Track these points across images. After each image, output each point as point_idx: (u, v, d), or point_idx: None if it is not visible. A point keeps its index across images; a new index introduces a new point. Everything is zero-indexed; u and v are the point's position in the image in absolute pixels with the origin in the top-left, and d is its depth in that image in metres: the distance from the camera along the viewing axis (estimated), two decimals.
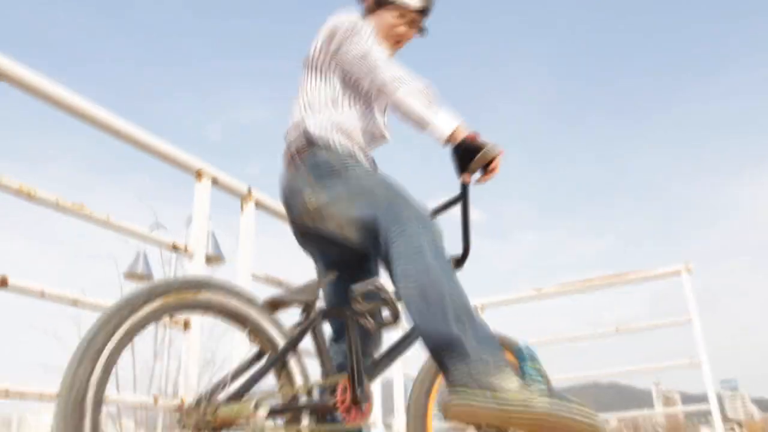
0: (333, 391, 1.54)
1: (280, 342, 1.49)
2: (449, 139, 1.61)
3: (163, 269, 4.68)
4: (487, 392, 1.29)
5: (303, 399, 1.51)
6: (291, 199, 1.73)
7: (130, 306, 1.22)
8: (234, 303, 1.43)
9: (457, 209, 1.86)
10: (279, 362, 1.49)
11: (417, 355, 1.82)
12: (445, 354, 1.36)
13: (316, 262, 1.86)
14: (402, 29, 1.91)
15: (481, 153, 1.61)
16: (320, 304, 1.64)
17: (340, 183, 1.63)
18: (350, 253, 1.73)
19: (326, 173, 1.65)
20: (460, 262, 1.80)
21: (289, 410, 1.48)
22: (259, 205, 2.73)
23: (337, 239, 1.65)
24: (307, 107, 1.76)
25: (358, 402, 1.55)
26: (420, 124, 1.62)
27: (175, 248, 2.34)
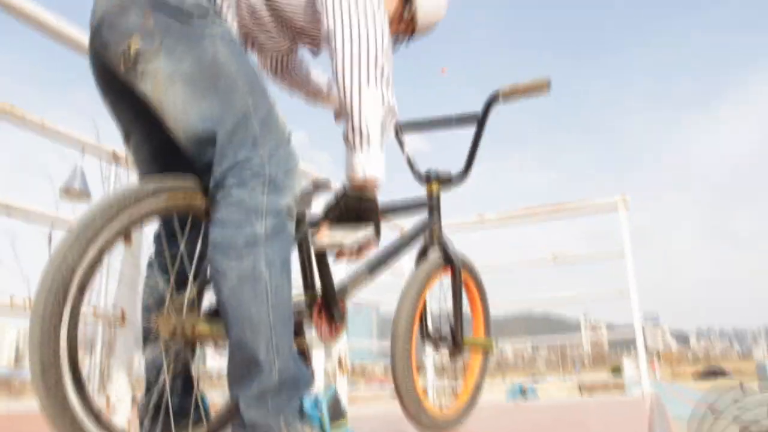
0: (309, 307, 1.53)
1: None
2: (363, 182, 1.26)
3: (103, 186, 4.42)
4: None
5: None
6: (108, 32, 1.19)
7: (131, 198, 1.08)
8: None
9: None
10: None
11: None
12: (243, 380, 1.08)
13: (129, 130, 1.32)
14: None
15: (373, 224, 1.32)
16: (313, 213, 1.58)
17: (188, 51, 1.15)
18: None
19: (174, 26, 1.16)
20: (457, 181, 1.87)
21: None
22: None
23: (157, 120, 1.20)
24: None
25: (334, 321, 1.55)
26: (354, 137, 1.22)
27: (115, 158, 2.18)
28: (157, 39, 1.15)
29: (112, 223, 1.04)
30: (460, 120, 1.91)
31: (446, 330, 1.91)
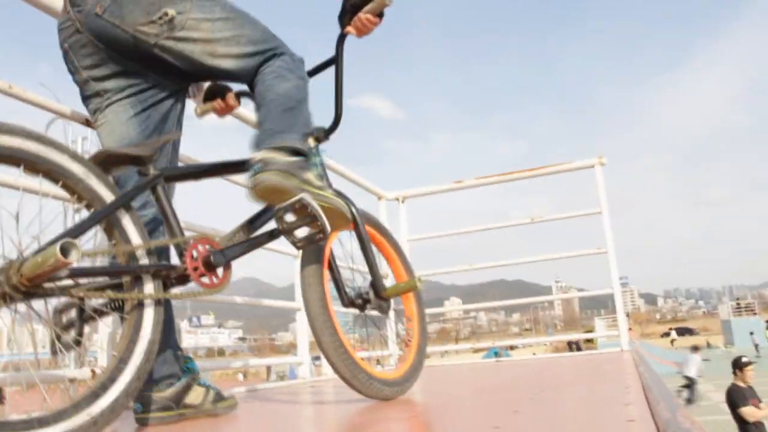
0: (181, 254, 1.45)
1: (109, 197, 1.33)
2: None
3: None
4: (299, 181, 1.51)
5: (144, 261, 1.37)
6: (129, 8, 1.55)
7: None
8: (42, 151, 1.22)
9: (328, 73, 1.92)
10: (109, 219, 1.33)
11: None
12: (281, 134, 1.55)
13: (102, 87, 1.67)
14: None
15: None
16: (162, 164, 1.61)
17: (212, 3, 1.63)
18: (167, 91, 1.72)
19: None
20: (330, 131, 1.88)
21: (127, 272, 1.35)
22: None
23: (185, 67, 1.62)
24: None
25: (213, 267, 1.47)
26: None
27: (88, 125, 2.12)
28: (188, 3, 1.58)
29: None
30: (319, 68, 1.96)
31: (366, 288, 1.91)
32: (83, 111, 1.87)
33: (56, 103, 2.01)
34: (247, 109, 2.55)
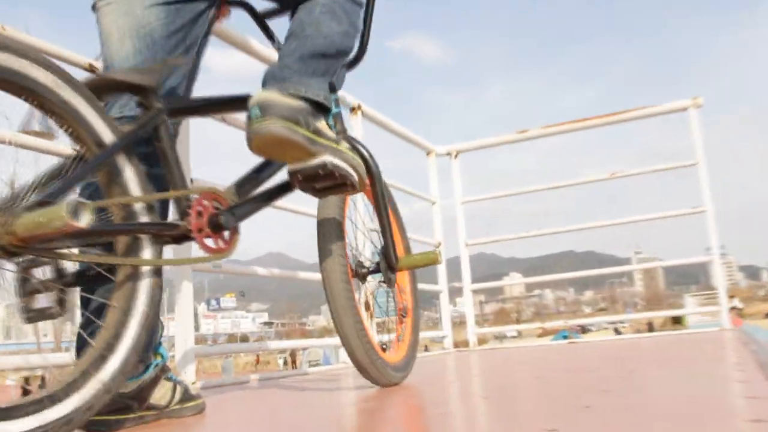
0: (184, 211, 1.37)
1: (108, 137, 1.25)
2: None
3: None
4: (309, 132, 1.43)
5: (143, 218, 1.31)
6: None
7: None
8: (39, 75, 1.14)
9: None
10: (107, 166, 1.26)
11: None
12: (301, 80, 1.47)
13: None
14: None
15: None
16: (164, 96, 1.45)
17: None
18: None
19: None
20: (354, 62, 1.84)
21: (123, 232, 1.29)
22: None
23: None
24: None
25: (221, 228, 1.41)
26: None
27: (91, 70, 2.17)
28: None
29: None
30: None
31: (369, 257, 1.91)
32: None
33: (49, 44, 2.06)
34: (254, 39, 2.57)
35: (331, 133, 1.51)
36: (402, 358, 1.93)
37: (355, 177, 1.53)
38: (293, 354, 34.52)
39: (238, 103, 1.50)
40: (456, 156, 4.78)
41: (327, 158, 1.45)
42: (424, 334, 4.59)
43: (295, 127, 1.39)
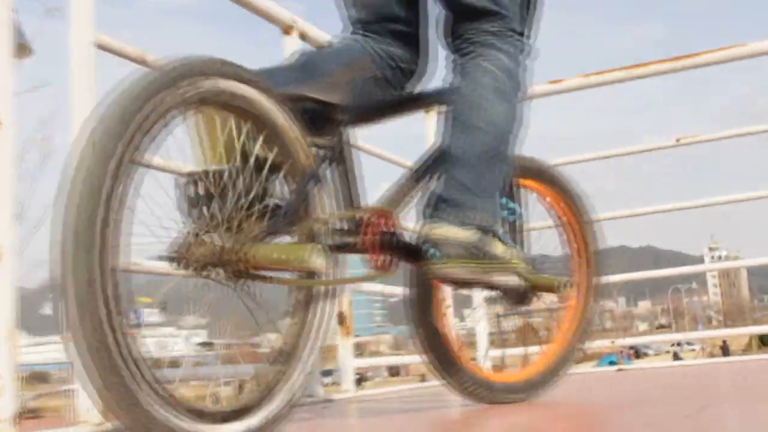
0: (357, 227, 1.79)
1: (303, 153, 1.66)
2: None
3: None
4: (485, 263, 1.85)
5: (321, 237, 1.71)
6: None
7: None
8: (250, 93, 1.55)
9: None
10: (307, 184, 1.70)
11: None
12: (474, 205, 1.84)
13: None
14: None
15: None
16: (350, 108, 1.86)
17: None
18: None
19: None
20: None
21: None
22: None
23: None
24: None
25: (387, 248, 1.83)
26: None
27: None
28: None
29: None
30: None
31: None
32: None
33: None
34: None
35: (504, 252, 1.92)
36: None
37: (515, 283, 1.96)
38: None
39: (411, 103, 2.12)
40: None
41: (494, 278, 1.88)
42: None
43: (472, 266, 1.81)
